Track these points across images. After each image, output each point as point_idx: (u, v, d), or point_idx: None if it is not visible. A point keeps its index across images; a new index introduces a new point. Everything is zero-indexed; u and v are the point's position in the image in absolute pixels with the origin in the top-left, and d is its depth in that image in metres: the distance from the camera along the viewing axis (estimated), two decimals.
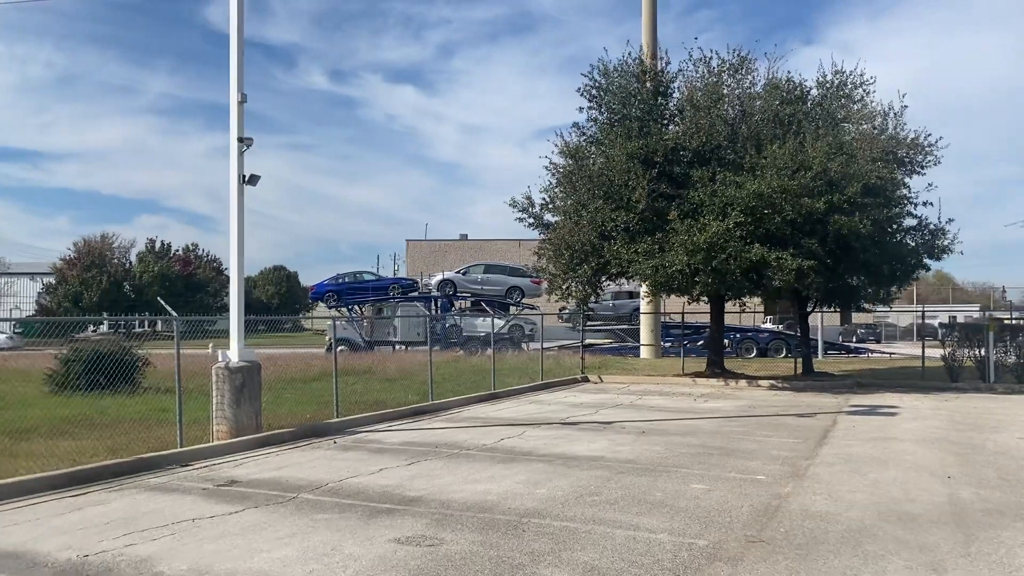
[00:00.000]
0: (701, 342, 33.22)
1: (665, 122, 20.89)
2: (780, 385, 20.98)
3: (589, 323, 30.76)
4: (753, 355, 34.71)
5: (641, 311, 33.87)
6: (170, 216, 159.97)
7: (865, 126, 20.92)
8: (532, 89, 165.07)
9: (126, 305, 71.27)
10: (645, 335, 33.81)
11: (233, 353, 12.04)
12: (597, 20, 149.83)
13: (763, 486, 8.91)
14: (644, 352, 33.53)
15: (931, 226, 20.87)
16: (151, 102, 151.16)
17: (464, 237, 76.14)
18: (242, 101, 12.26)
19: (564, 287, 21.31)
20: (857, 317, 56.59)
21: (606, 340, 39.36)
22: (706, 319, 34.51)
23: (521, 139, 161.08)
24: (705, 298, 22.27)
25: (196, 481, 9.28)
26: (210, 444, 11.29)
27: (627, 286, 32.98)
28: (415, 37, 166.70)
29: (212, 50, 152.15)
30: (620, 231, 19.65)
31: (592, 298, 22.46)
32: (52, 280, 75.91)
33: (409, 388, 18.25)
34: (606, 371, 24.78)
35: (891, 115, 20.84)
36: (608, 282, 22.56)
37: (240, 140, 12.18)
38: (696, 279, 18.72)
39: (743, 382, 21.41)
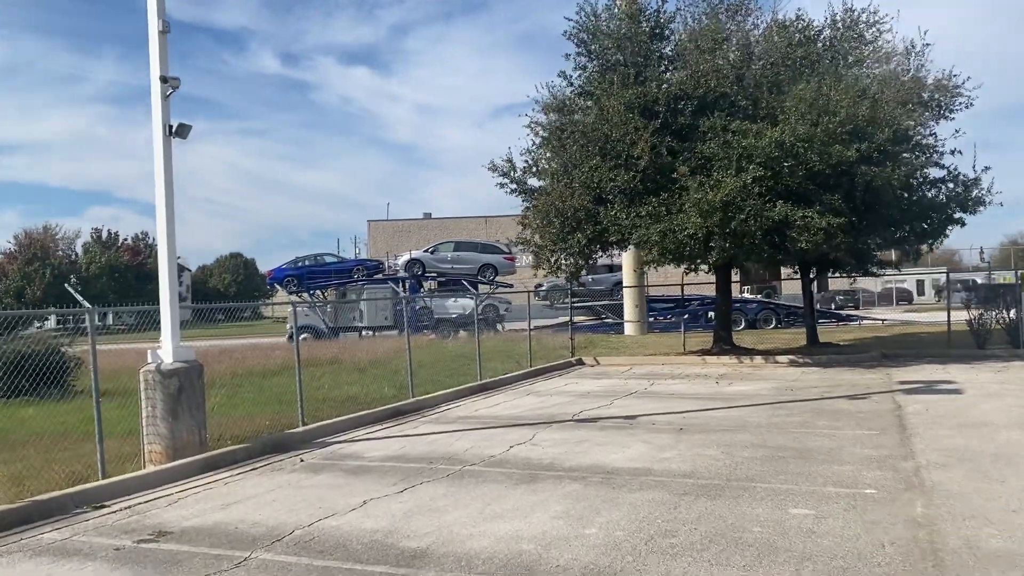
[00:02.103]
0: (686, 316, 31.10)
1: (663, 69, 18.49)
2: (800, 361, 18.70)
3: (568, 300, 28.48)
4: (742, 327, 32.62)
5: (624, 285, 31.57)
6: (123, 207, 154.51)
7: (882, 68, 18.70)
8: (487, 68, 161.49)
9: (73, 298, 67.46)
10: (630, 311, 31.50)
11: (166, 352, 9.44)
12: None
13: (883, 506, 6.61)
14: (629, 329, 31.21)
15: (962, 177, 18.59)
16: (99, 90, 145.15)
17: (428, 216, 73.30)
18: (164, 31, 9.60)
19: (553, 260, 18.88)
20: (833, 283, 54.92)
21: (583, 317, 37.07)
22: (689, 291, 32.70)
23: (479, 119, 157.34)
24: (705, 268, 19.98)
25: (110, 534, 6.73)
26: (139, 472, 8.70)
27: (613, 258, 30.64)
28: (368, 17, 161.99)
29: None
30: (618, 193, 17.24)
31: (584, 271, 20.06)
32: None
33: (383, 379, 15.77)
34: (597, 351, 22.39)
35: (912, 55, 18.64)
36: (601, 253, 20.16)
37: (164, 80, 9.52)
38: (711, 244, 16.33)
39: (758, 359, 19.08)
